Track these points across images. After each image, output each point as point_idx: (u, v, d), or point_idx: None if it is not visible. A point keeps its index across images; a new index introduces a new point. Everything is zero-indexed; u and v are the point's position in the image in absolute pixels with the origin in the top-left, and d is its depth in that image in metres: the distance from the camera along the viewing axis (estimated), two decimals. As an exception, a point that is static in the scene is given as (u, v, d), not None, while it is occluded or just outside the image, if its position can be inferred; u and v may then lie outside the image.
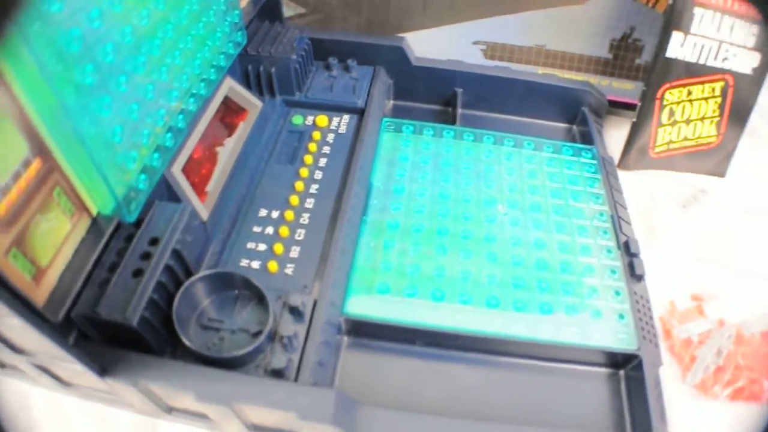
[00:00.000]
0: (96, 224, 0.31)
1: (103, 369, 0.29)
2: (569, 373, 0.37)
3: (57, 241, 0.28)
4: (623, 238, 0.44)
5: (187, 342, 0.31)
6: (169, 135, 0.35)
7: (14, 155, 0.25)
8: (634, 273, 0.42)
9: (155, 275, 0.31)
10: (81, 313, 0.30)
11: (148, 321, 0.30)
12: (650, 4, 0.52)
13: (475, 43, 0.54)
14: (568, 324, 0.38)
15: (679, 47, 0.50)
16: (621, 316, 0.39)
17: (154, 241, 0.33)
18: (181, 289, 0.32)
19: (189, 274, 0.34)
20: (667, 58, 0.49)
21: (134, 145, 0.32)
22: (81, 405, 0.36)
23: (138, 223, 0.33)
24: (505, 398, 0.35)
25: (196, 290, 0.33)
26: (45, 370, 0.33)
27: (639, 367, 0.36)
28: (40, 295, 0.28)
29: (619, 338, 0.37)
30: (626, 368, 0.37)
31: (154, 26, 0.33)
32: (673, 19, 0.49)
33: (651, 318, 0.40)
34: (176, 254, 0.33)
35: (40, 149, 0.26)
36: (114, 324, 0.30)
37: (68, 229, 0.29)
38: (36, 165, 0.26)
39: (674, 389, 0.38)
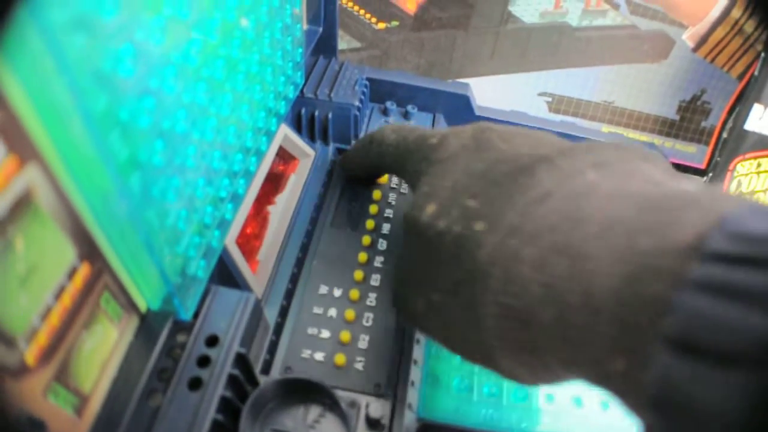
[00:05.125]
0: (145, 323, 0.24)
1: None
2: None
3: (102, 358, 0.21)
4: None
5: (251, 472, 0.24)
6: (230, 206, 0.27)
7: (59, 266, 0.18)
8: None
9: (217, 390, 0.24)
10: (126, 439, 0.22)
11: (209, 450, 0.23)
12: (725, 68, 0.46)
13: (541, 94, 0.47)
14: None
15: (757, 120, 0.44)
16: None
17: (212, 341, 0.25)
18: (247, 404, 0.25)
19: (253, 379, 0.26)
20: (744, 130, 0.44)
21: (197, 227, 0.24)
22: None
23: (193, 314, 0.26)
24: None
25: (262, 399, 0.26)
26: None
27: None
28: (82, 430, 0.20)
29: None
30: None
31: (227, 78, 0.25)
32: (755, 92, 0.43)
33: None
34: (240, 359, 0.25)
35: (88, 251, 0.19)
36: (167, 455, 0.22)
37: (115, 340, 0.22)
38: (83, 272, 0.19)
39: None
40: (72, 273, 0.18)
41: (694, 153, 0.50)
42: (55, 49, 0.15)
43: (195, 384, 0.24)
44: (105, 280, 0.20)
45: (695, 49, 0.45)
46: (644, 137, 0.49)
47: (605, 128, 0.49)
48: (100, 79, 0.17)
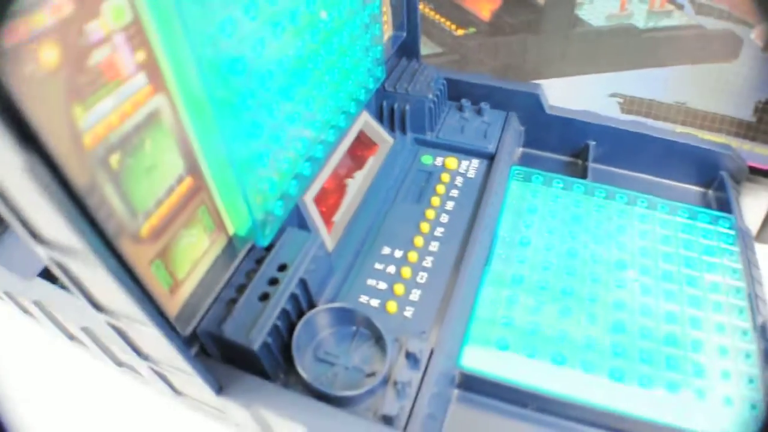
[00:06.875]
0: (231, 244, 0.31)
1: (220, 387, 0.28)
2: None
3: (195, 256, 0.28)
4: (760, 320, 0.38)
5: (303, 374, 0.30)
6: (307, 164, 0.34)
7: (171, 171, 0.25)
8: (770, 360, 0.36)
9: (281, 302, 0.30)
10: (206, 330, 0.29)
11: (268, 346, 0.29)
12: (807, 67, 0.46)
13: (612, 95, 0.50)
14: (698, 409, 0.33)
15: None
16: (753, 407, 0.34)
17: (282, 267, 0.32)
18: (303, 318, 0.31)
19: (311, 303, 0.33)
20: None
21: (276, 171, 0.31)
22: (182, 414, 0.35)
23: (269, 247, 0.32)
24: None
25: (316, 321, 0.32)
26: (162, 377, 0.32)
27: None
28: (173, 307, 0.27)
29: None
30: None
31: (308, 58, 0.32)
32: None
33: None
34: (302, 283, 0.31)
35: (192, 168, 0.26)
36: (235, 345, 0.29)
37: (206, 246, 0.29)
38: (187, 183, 0.26)
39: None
40: (180, 180, 0.25)
41: (775, 157, 0.49)
42: (181, 15, 0.22)
43: (264, 297, 0.30)
44: (203, 195, 0.27)
45: (765, 48, 0.45)
46: (720, 139, 0.49)
47: (679, 129, 0.50)
48: (208, 38, 0.24)
